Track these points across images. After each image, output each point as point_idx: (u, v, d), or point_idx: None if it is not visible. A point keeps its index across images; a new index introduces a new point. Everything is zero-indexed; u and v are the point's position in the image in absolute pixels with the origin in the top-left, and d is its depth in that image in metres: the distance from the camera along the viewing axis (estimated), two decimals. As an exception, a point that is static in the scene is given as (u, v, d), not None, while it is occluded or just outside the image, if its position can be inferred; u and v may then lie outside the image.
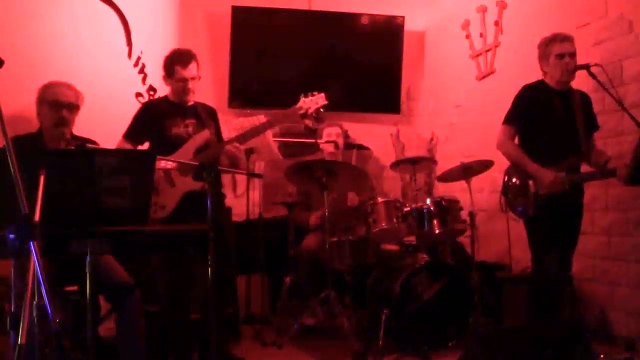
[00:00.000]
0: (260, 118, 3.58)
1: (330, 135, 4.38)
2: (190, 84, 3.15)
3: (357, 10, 5.31)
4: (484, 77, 4.76)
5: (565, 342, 2.30)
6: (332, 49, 5.26)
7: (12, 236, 1.53)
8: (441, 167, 4.17)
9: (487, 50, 4.71)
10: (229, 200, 4.31)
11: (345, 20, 5.30)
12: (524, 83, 3.20)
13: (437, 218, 3.59)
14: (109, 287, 2.49)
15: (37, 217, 1.62)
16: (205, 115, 3.24)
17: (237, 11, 5.01)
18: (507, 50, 4.52)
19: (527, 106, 3.12)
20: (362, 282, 3.74)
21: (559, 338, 2.29)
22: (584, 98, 3.19)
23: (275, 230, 4.44)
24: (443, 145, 5.27)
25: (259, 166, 4.72)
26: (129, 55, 3.84)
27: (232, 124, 3.93)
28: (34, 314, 1.55)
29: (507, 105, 3.19)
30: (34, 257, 1.52)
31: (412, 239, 3.77)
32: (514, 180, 3.15)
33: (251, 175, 4.05)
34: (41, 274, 1.52)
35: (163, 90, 3.39)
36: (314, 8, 5.25)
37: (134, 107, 3.30)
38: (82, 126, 2.83)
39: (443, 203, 3.62)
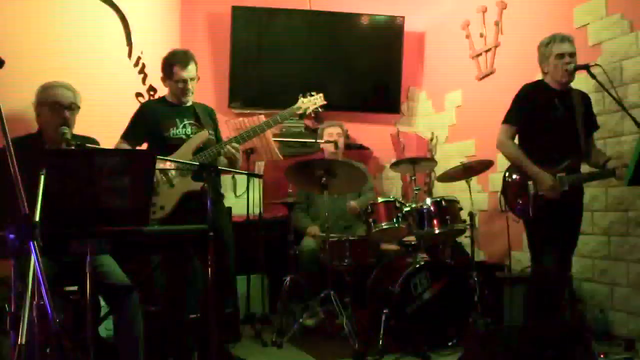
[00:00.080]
0: (260, 118, 3.58)
1: (331, 135, 4.39)
2: (190, 85, 3.16)
3: (357, 10, 5.31)
4: (484, 77, 4.76)
5: (565, 342, 2.30)
6: (332, 49, 5.26)
7: (12, 236, 1.53)
8: (441, 167, 4.17)
9: (487, 50, 4.71)
10: (229, 201, 4.32)
11: (345, 20, 5.30)
12: (524, 83, 3.20)
13: (437, 218, 3.59)
14: (107, 288, 2.49)
15: (37, 217, 1.62)
16: (204, 116, 3.24)
17: (237, 11, 5.01)
18: (507, 50, 4.52)
19: (527, 106, 3.12)
20: (362, 282, 3.74)
21: (559, 338, 2.30)
22: (584, 98, 3.19)
23: (275, 230, 4.45)
24: (443, 145, 5.27)
25: (259, 166, 4.72)
26: (129, 55, 3.83)
27: (232, 124, 3.92)
28: (34, 314, 1.55)
29: (507, 105, 3.19)
30: (34, 257, 1.52)
31: (412, 239, 3.78)
32: (514, 179, 3.15)
33: (251, 175, 4.05)
34: (41, 274, 1.52)
35: (163, 90, 3.39)
36: (314, 8, 5.25)
37: (134, 107, 3.30)
38: (82, 126, 2.82)
39: (443, 203, 3.63)
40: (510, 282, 3.73)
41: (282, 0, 5.15)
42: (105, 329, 2.89)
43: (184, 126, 3.15)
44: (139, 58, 3.89)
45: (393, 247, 4.09)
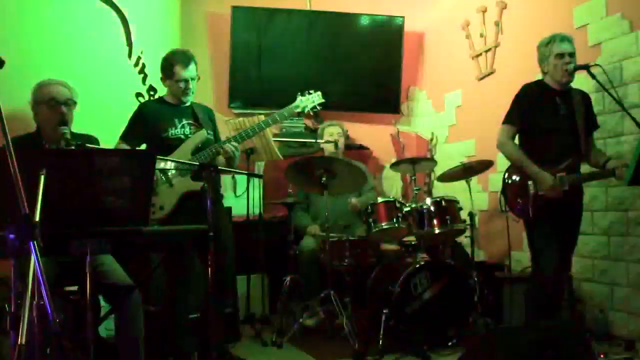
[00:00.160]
0: (260, 118, 3.58)
1: (331, 135, 4.40)
2: (191, 84, 3.16)
3: (357, 10, 5.31)
4: (484, 77, 4.76)
5: (565, 342, 2.29)
6: (332, 49, 5.26)
7: (12, 236, 1.53)
8: (441, 167, 4.17)
9: (487, 50, 4.71)
10: (229, 201, 4.32)
11: (345, 20, 5.30)
12: (524, 83, 3.20)
13: (437, 218, 3.59)
14: (108, 288, 2.49)
15: (37, 217, 1.62)
16: (202, 116, 3.24)
17: (237, 11, 5.01)
18: (507, 50, 4.52)
19: (527, 106, 3.12)
20: (362, 282, 3.74)
21: (559, 338, 2.29)
22: (584, 98, 3.18)
23: (275, 230, 4.45)
24: (443, 145, 5.27)
25: (259, 166, 4.72)
26: (129, 55, 3.84)
27: (231, 124, 3.92)
28: (34, 314, 1.55)
29: (507, 105, 3.19)
30: (34, 257, 1.52)
31: (412, 239, 3.78)
32: (514, 180, 3.15)
33: (251, 175, 4.05)
34: (41, 274, 1.52)
35: (163, 90, 3.39)
36: (314, 8, 5.25)
37: (134, 107, 3.30)
38: (83, 126, 2.82)
39: (443, 203, 3.63)
40: (510, 282, 3.73)
41: (282, 0, 5.14)
42: (106, 329, 2.89)
43: (183, 126, 3.15)
44: (139, 58, 3.89)
45: (393, 247, 4.09)
